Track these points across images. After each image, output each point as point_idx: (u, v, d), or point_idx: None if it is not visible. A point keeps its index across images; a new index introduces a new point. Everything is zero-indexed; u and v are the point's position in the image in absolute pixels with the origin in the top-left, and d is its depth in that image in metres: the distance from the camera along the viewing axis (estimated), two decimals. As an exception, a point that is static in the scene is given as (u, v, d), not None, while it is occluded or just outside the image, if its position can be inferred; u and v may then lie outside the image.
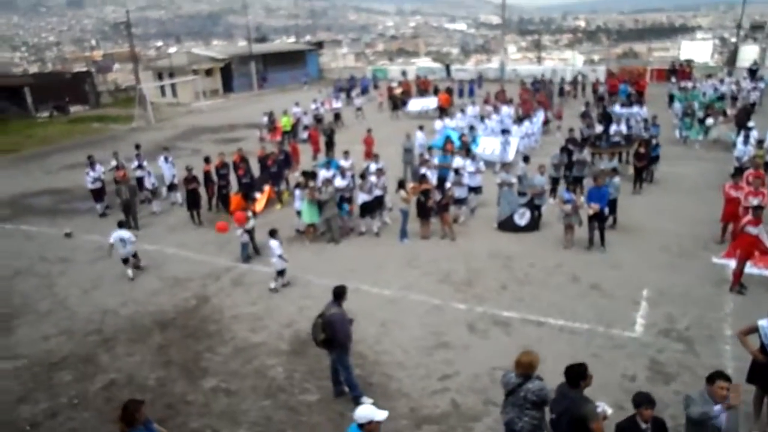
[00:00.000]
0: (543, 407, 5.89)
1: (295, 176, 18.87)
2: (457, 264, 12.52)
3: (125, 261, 12.89)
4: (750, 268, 11.24)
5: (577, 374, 5.65)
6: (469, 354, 9.20)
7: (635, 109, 22.08)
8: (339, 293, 7.91)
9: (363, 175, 14.38)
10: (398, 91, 31.52)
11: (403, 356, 9.24)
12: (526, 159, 15.49)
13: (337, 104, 29.04)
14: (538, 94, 28.48)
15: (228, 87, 45.16)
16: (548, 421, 5.75)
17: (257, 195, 16.10)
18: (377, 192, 14.26)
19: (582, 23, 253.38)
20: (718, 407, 5.42)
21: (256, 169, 17.66)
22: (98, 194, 17.34)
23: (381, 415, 5.36)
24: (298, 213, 14.49)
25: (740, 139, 17.25)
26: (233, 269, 13.05)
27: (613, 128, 19.25)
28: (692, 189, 17.00)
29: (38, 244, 15.56)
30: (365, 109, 30.70)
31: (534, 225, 14.12)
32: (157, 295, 12.04)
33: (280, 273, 11.81)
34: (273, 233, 11.75)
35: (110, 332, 10.69)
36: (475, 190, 15.37)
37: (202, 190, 16.34)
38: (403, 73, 40.16)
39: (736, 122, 21.66)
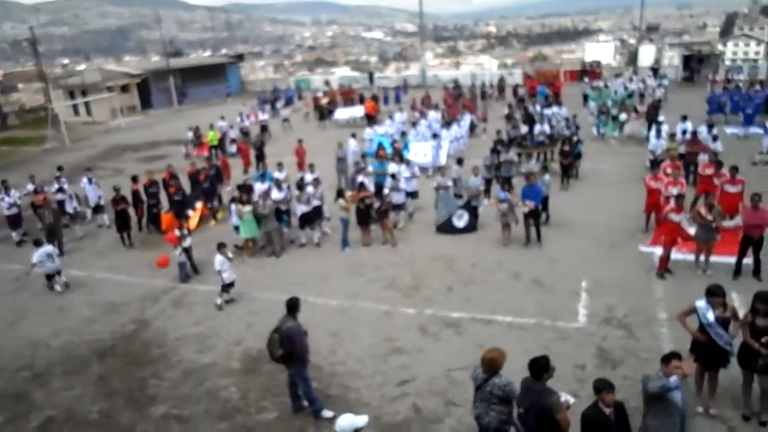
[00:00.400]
0: (510, 402, 6.01)
1: (227, 191, 18.50)
2: (402, 269, 12.60)
3: (50, 277, 12.28)
4: (675, 254, 11.90)
5: (540, 367, 5.81)
6: (424, 357, 9.26)
7: (555, 109, 22.99)
8: (292, 306, 7.77)
9: (300, 186, 14.22)
10: (324, 100, 31.45)
11: (358, 365, 9.18)
12: (459, 161, 15.81)
13: (264, 116, 28.64)
14: (462, 98, 29.18)
15: (146, 103, 43.58)
16: (516, 415, 5.86)
17: (190, 212, 15.60)
18: (315, 202, 14.14)
19: (493, 29, 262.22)
20: (674, 378, 5.70)
21: (186, 186, 17.10)
22: (14, 221, 16.26)
23: (362, 420, 5.37)
24: (236, 228, 14.15)
25: (653, 133, 18.32)
26: (172, 290, 12.57)
27: (537, 128, 19.97)
28: (613, 183, 17.86)
29: (-49, 279, 14.43)
30: (292, 120, 30.43)
31: (472, 226, 14.40)
32: (92, 323, 11.42)
33: (226, 288, 11.48)
34: (220, 247, 11.41)
35: (43, 366, 10.05)
36: (412, 194, 15.54)
37: (131, 211, 15.67)
38: (326, 83, 40.11)
39: (646, 118, 22.97)
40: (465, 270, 12.38)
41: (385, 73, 63.08)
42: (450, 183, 14.72)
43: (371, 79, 43.50)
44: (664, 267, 11.60)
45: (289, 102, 34.85)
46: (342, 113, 29.80)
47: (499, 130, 19.42)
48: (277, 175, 15.35)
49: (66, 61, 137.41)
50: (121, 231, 15.30)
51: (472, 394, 6.84)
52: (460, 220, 14.35)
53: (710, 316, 7.14)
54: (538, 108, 23.90)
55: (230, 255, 11.57)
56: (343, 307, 11.12)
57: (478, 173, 15.06)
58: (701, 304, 7.25)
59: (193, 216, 15.68)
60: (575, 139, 18.46)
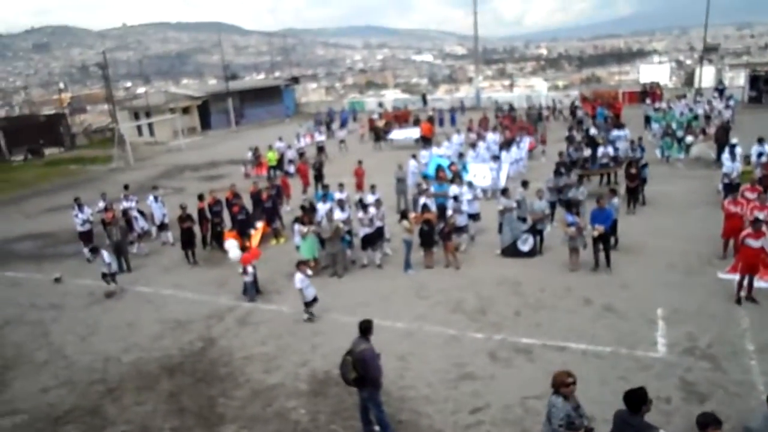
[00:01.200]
0: (550, 422, 5.91)
1: (287, 210, 18.69)
2: (467, 292, 12.35)
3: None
4: (758, 282, 11.30)
5: (639, 398, 5.50)
6: (496, 384, 8.98)
7: (618, 131, 22.43)
8: (366, 328, 7.67)
9: (362, 206, 14.21)
10: (380, 122, 31.65)
11: (428, 390, 8.97)
12: (524, 184, 15.51)
13: (320, 137, 28.99)
14: (519, 120, 28.88)
15: (205, 124, 44.90)
16: None
17: (252, 231, 15.78)
18: (378, 223, 14.10)
19: (544, 51, 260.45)
20: None
21: (248, 205, 17.36)
22: (87, 237, 16.82)
23: None
24: (298, 248, 14.22)
25: (726, 156, 17.54)
26: (236, 308, 12.67)
27: (600, 150, 19.49)
28: (683, 206, 17.20)
29: (26, 291, 14.98)
30: (348, 142, 30.70)
31: (537, 250, 14.07)
32: (160, 339, 11.59)
33: (309, 304, 11.56)
34: (299, 264, 11.52)
35: (115, 381, 10.22)
36: (474, 217, 15.33)
37: (196, 228, 15.98)
38: (380, 105, 40.44)
39: (715, 140, 22.15)
40: (532, 294, 12.05)
41: (437, 95, 63.12)
42: (515, 205, 14.44)
43: (425, 100, 43.61)
44: (748, 294, 11.02)
45: (344, 123, 35.25)
46: (398, 134, 29.88)
47: (561, 152, 19.03)
48: (338, 195, 15.40)
49: (129, 84, 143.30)
50: (186, 248, 15.60)
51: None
52: (525, 244, 14.04)
53: (815, 350, 6.65)
54: (597, 130, 23.36)
55: (309, 272, 11.63)
56: (410, 329, 10.95)
57: (543, 196, 14.74)
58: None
59: (255, 235, 15.84)
60: (642, 162, 17.91)
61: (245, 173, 25.37)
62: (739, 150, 17.73)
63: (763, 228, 11.17)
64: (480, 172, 19.52)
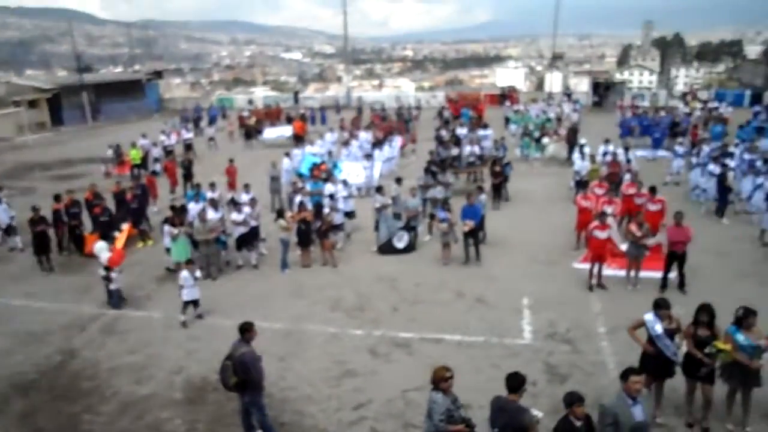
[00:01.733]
0: (431, 418, 6.08)
1: (154, 211, 17.71)
2: (345, 290, 12.44)
3: None
4: (607, 270, 12.45)
5: (519, 382, 5.89)
6: (378, 379, 9.13)
7: (483, 131, 23.69)
8: (246, 330, 7.45)
9: (237, 205, 13.81)
10: (251, 120, 30.90)
11: (310, 389, 8.92)
12: (398, 181, 15.89)
13: (188, 135, 27.71)
14: (389, 120, 29.56)
15: (57, 119, 41.10)
16: None
17: (116, 233, 14.75)
18: (253, 223, 13.78)
19: (410, 53, 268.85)
20: (637, 407, 5.87)
21: (111, 206, 16.19)
22: None
23: None
24: (167, 250, 13.52)
25: (577, 155, 19.17)
26: (100, 317, 11.78)
27: (467, 149, 20.46)
28: (541, 202, 18.54)
29: None
30: (217, 139, 29.63)
31: (411, 247, 14.48)
32: (10, 356, 10.47)
33: (185, 306, 11.08)
34: (188, 263, 11.11)
35: (-44, 406, 9.10)
36: (350, 214, 15.47)
37: (51, 232, 14.64)
38: (250, 102, 39.48)
39: (566, 140, 24.10)
40: (409, 290, 12.39)
41: (307, 93, 62.83)
42: (390, 202, 14.74)
43: (296, 99, 43.22)
44: (598, 281, 12.12)
45: (213, 121, 33.96)
46: (270, 133, 29.37)
47: (431, 150, 19.76)
48: (210, 194, 14.85)
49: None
50: (39, 254, 14.25)
51: None
52: (401, 241, 14.39)
53: (658, 328, 7.47)
54: (465, 130, 24.52)
55: (198, 274, 11.11)
56: (289, 330, 10.81)
57: (416, 194, 15.19)
58: (649, 317, 7.58)
59: (120, 237, 14.82)
60: (504, 160, 19.05)
61: (106, 172, 23.62)
62: (587, 149, 19.44)
63: (609, 221, 12.33)
64: (353, 171, 19.71)
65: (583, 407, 5.75)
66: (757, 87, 49.80)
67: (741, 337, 7.24)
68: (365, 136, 24.33)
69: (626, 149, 19.61)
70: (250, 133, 29.60)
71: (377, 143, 22.66)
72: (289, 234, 13.44)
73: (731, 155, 18.16)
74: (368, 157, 20.22)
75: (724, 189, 16.20)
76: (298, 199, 14.45)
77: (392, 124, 28.61)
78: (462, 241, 13.51)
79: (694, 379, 7.62)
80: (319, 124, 33.24)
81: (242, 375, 7.20)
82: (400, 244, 14.33)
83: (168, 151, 25.12)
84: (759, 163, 16.85)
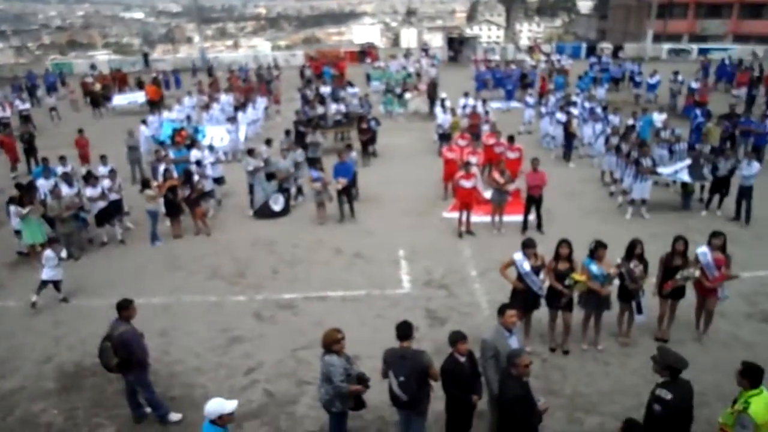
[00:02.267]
0: (330, 381, 6.16)
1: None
2: (222, 257, 12.16)
3: None
4: (474, 217, 13.23)
5: (408, 327, 6.19)
6: (266, 342, 9.13)
7: (348, 89, 23.75)
8: (123, 306, 7.08)
9: (89, 179, 12.83)
10: (96, 86, 28.45)
11: (197, 361, 8.73)
12: (268, 142, 15.56)
13: (24, 105, 24.92)
14: (249, 81, 28.66)
15: None
16: (397, 384, 6.07)
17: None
18: (114, 196, 12.93)
19: (263, 11, 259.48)
20: (513, 338, 6.43)
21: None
22: None
23: (230, 405, 5.43)
24: (17, 233, 12.34)
25: (439, 109, 19.88)
26: (-55, 312, 10.58)
27: (332, 108, 20.47)
28: (408, 156, 19.12)
29: None
30: (59, 109, 26.95)
31: (287, 209, 14.38)
32: None
33: (45, 284, 10.33)
34: (52, 242, 10.42)
35: None
36: (218, 180, 15.00)
37: None
38: (93, 67, 36.07)
39: (427, 95, 24.89)
40: (287, 251, 12.38)
41: (156, 55, 58.87)
42: (262, 164, 14.46)
43: (147, 62, 40.28)
44: (467, 228, 12.86)
45: (52, 89, 30.75)
46: (121, 99, 27.33)
47: (297, 110, 19.52)
48: (62, 169, 13.66)
49: None
50: None
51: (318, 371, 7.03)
52: (277, 204, 14.24)
53: (526, 266, 8.15)
54: (329, 89, 24.44)
55: (63, 254, 10.37)
56: (167, 303, 10.41)
57: (287, 155, 15.00)
58: (518, 256, 8.23)
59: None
60: (370, 117, 19.31)
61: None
62: (448, 103, 20.24)
63: (473, 170, 13.05)
64: (217, 135, 18.99)
65: (466, 344, 6.19)
66: (591, 40, 54.29)
67: (594, 268, 8.11)
68: (226, 98, 23.44)
69: (483, 102, 20.66)
70: (97, 100, 27.24)
71: (240, 106, 21.95)
72: (156, 204, 12.78)
73: (574, 104, 19.78)
74: (232, 120, 19.55)
75: (568, 135, 17.70)
76: (162, 167, 13.71)
77: (253, 85, 27.78)
78: (336, 199, 13.64)
79: (555, 308, 8.45)
80: (174, 88, 31.39)
81: (124, 355, 6.89)
82: (276, 207, 14.18)
83: (3, 125, 22.54)
84: (598, 110, 18.54)
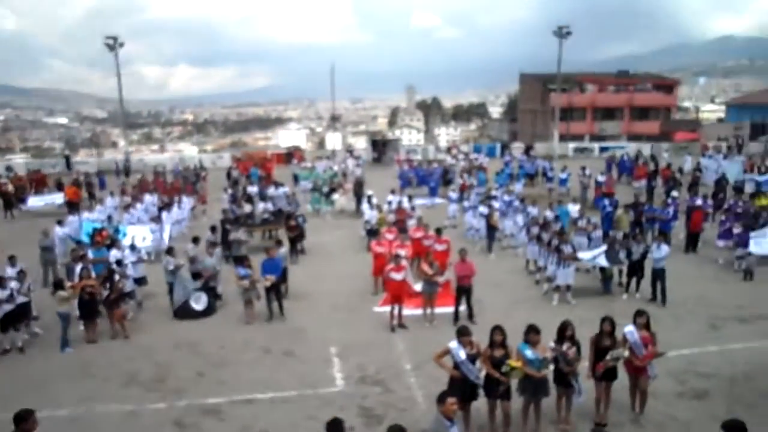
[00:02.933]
0: None
1: None
2: (141, 362, 11.33)
3: None
4: (406, 311, 13.11)
5: (338, 425, 5.85)
6: (188, 452, 8.40)
7: (274, 189, 23.85)
8: (21, 418, 6.30)
9: (1, 280, 11.94)
10: (9, 187, 27.23)
11: (109, 479, 7.87)
12: (195, 240, 15.14)
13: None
14: (176, 181, 28.33)
15: None
16: None
17: None
18: (21, 299, 12.02)
19: (190, 116, 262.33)
20: (454, 428, 6.18)
21: None
22: None
23: None
24: None
25: (366, 206, 20.21)
26: None
27: (260, 206, 20.39)
28: (336, 253, 19.08)
29: None
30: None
31: (211, 308, 13.79)
32: None
33: None
34: None
35: None
36: (140, 281, 14.32)
37: None
38: (9, 168, 34.68)
39: (353, 193, 25.32)
40: (213, 353, 11.72)
41: (76, 159, 57.48)
42: (182, 263, 13.96)
43: (68, 163, 39.12)
44: (399, 321, 12.71)
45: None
46: (36, 201, 26.22)
47: (225, 209, 19.29)
48: (-36, 273, 12.66)
49: None
50: None
51: None
52: (198, 303, 13.64)
53: (462, 354, 8.03)
54: (255, 188, 24.47)
55: None
56: (75, 415, 9.46)
57: (213, 253, 14.61)
58: (453, 345, 8.12)
59: None
60: (298, 215, 19.32)
61: None
62: (374, 200, 20.62)
63: (403, 262, 13.09)
64: (139, 234, 18.34)
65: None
66: (504, 141, 57.85)
67: (529, 353, 8.10)
68: (150, 198, 22.94)
69: (409, 198, 21.22)
70: (10, 202, 26.04)
71: (165, 206, 21.50)
72: (69, 307, 11.94)
73: (495, 198, 20.62)
74: (156, 219, 19.04)
75: (490, 228, 18.29)
76: (79, 267, 12.95)
77: (177, 186, 27.41)
78: (265, 297, 13.24)
79: (494, 398, 8.28)
80: (97, 189, 30.46)
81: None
82: (198, 306, 13.57)
83: None
84: (516, 203, 19.36)
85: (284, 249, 14.69)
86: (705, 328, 12.47)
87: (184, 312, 13.49)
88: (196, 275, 13.75)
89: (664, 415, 8.99)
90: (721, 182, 23.97)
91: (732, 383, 10.06)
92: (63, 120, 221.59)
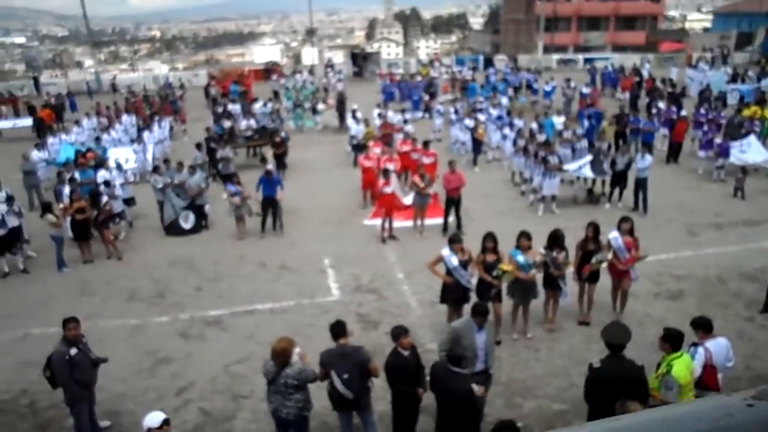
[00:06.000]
0: (305, 388, 6.05)
1: None
2: (139, 279, 11.58)
3: None
4: (396, 223, 13.40)
5: (341, 326, 6.18)
6: (195, 360, 8.78)
7: (258, 105, 23.46)
8: (63, 326, 6.78)
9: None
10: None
11: (123, 386, 8.24)
12: (180, 165, 15.01)
13: None
14: (153, 100, 27.64)
15: None
16: (340, 382, 6.01)
17: None
18: (13, 222, 12.02)
19: (157, 33, 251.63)
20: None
21: None
22: None
23: (155, 418, 5.33)
24: None
25: (351, 121, 20.02)
26: None
27: (243, 123, 20.15)
28: (323, 168, 19.11)
29: None
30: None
31: (199, 226, 13.92)
32: None
33: None
34: None
35: None
36: (129, 201, 14.32)
37: None
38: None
39: (336, 109, 25.01)
40: (209, 268, 11.99)
41: (44, 79, 55.44)
42: (169, 180, 13.94)
43: (37, 86, 37.72)
44: (390, 233, 13.01)
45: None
46: (5, 124, 25.54)
47: (208, 127, 19.03)
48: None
49: None
50: None
51: (257, 385, 6.88)
52: (187, 222, 13.77)
53: (454, 260, 8.35)
54: (237, 106, 24.04)
55: None
56: (84, 329, 9.70)
57: (195, 171, 14.52)
58: (446, 252, 8.42)
59: None
60: (282, 132, 19.15)
61: None
62: (359, 114, 20.43)
63: (391, 177, 13.23)
64: (122, 156, 18.12)
65: (409, 338, 6.25)
66: (486, 53, 56.74)
67: (521, 258, 8.44)
68: (128, 119, 22.47)
69: (402, 111, 21.16)
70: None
71: (145, 126, 21.11)
72: (60, 230, 12.00)
73: (481, 111, 20.55)
74: (138, 140, 18.77)
75: (475, 141, 18.35)
76: (66, 189, 12.91)
77: (156, 105, 26.79)
78: (260, 213, 13.37)
79: (485, 300, 8.67)
80: (69, 111, 29.64)
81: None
82: (186, 225, 13.71)
83: None
84: (503, 116, 19.35)
85: (270, 166, 14.61)
86: (683, 234, 12.98)
87: (173, 229, 13.64)
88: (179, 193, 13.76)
89: (642, 314, 9.54)
90: (704, 93, 24.05)
91: (705, 284, 10.65)
92: (20, 39, 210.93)
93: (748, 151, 16.10)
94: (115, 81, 36.83)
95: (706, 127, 18.00)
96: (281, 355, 5.92)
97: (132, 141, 19.25)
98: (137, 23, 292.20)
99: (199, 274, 11.75)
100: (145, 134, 19.48)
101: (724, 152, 16.10)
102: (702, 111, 19.52)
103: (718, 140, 16.59)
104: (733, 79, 27.96)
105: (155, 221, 14.23)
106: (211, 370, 8.49)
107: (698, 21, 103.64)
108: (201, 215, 14.12)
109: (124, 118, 22.56)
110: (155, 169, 14.25)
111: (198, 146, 16.66)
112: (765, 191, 15.33)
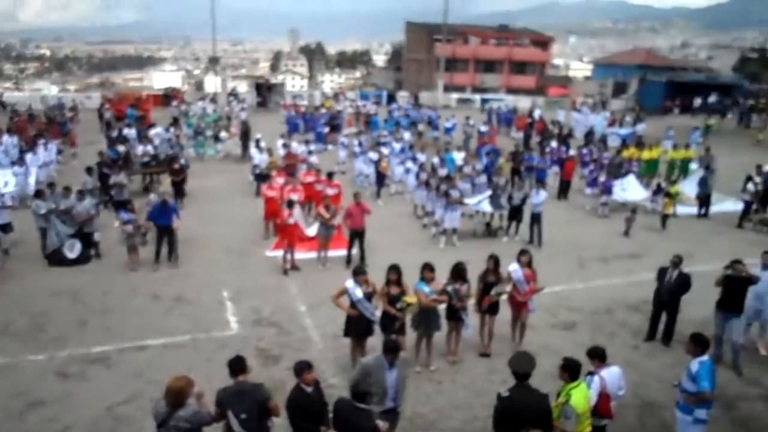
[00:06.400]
0: (200, 430, 5.63)
1: None
2: (13, 312, 10.52)
3: None
4: (298, 255, 13.15)
5: (241, 362, 5.92)
6: (74, 402, 8.00)
7: (157, 130, 22.51)
8: None
9: None
10: None
11: (-13, 434, 7.37)
12: (67, 189, 14.00)
13: None
14: (38, 122, 25.80)
15: None
16: (237, 423, 5.63)
17: None
18: None
19: (47, 52, 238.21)
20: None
21: None
22: None
23: None
24: None
25: (255, 150, 19.62)
26: None
27: (140, 149, 19.22)
28: (224, 198, 18.54)
29: None
30: None
31: (87, 255, 12.96)
32: None
33: None
34: None
35: None
36: (5, 228, 13.13)
37: None
38: None
39: (240, 137, 24.51)
40: (96, 300, 11.14)
41: None
42: (54, 206, 12.94)
43: None
44: (292, 265, 12.74)
45: None
46: None
47: (101, 151, 17.97)
48: None
49: None
50: None
51: (146, 428, 6.46)
52: (72, 251, 12.76)
53: (358, 293, 8.25)
54: (133, 131, 22.96)
55: None
56: (-59, 372, 8.70)
57: (83, 198, 13.56)
58: (350, 284, 8.30)
59: None
60: (181, 159, 18.44)
61: None
62: (263, 144, 20.11)
63: (295, 208, 13.01)
64: (0, 178, 16.69)
65: (313, 373, 6.03)
66: (389, 89, 58.25)
67: (426, 289, 8.48)
68: (9, 140, 20.79)
69: (306, 143, 21.03)
70: None
71: (29, 148, 19.62)
72: None
73: (384, 144, 20.87)
74: (17, 163, 17.37)
75: (379, 174, 18.57)
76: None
77: (42, 126, 25.02)
78: (154, 242, 12.66)
79: (389, 333, 8.59)
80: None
81: None
82: (71, 254, 12.71)
83: None
84: (406, 150, 19.74)
85: (153, 195, 13.88)
86: (574, 267, 13.66)
87: (56, 259, 12.62)
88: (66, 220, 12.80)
89: (540, 345, 9.80)
90: (589, 135, 25.84)
91: (595, 315, 11.22)
92: None
93: (628, 188, 17.46)
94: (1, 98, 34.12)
95: (591, 166, 19.34)
96: (177, 395, 5.46)
97: (12, 163, 17.77)
98: (25, 40, 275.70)
99: (85, 307, 10.87)
100: (28, 156, 18.09)
101: (608, 190, 17.30)
102: (586, 151, 21.15)
103: (602, 179, 17.79)
104: (611, 123, 30.34)
105: (36, 249, 13.13)
106: (93, 411, 7.77)
107: (580, 70, 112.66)
108: (89, 244, 13.16)
109: (5, 138, 20.85)
110: (38, 194, 13.20)
111: (89, 171, 15.66)
112: (645, 227, 16.50)
